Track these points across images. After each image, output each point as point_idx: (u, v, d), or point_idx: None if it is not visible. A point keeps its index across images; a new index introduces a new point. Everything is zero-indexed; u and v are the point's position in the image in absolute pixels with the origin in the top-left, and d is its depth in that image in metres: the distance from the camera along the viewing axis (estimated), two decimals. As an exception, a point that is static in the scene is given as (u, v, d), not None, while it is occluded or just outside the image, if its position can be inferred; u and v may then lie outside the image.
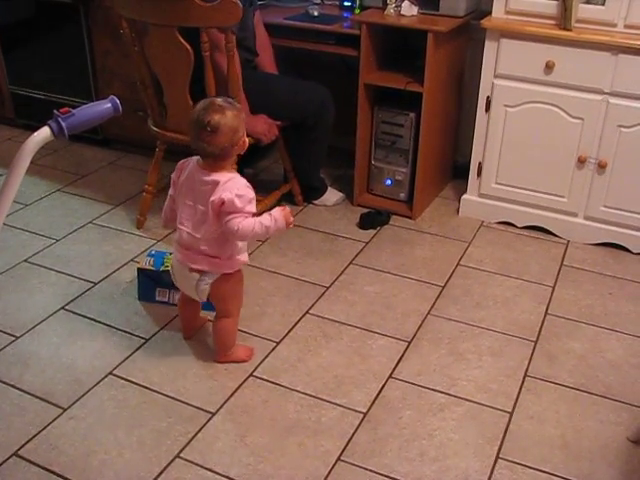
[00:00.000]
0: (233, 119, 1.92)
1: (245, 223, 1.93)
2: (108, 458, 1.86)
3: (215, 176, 1.96)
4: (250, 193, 1.96)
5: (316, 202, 3.20)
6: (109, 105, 1.54)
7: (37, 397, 2.06)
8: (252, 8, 2.79)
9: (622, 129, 2.67)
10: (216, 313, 2.19)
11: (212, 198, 1.93)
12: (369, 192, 3.23)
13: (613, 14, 2.57)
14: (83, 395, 2.07)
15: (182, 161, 2.08)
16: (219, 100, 1.97)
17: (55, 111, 1.45)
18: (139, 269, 2.47)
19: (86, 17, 3.40)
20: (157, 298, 2.47)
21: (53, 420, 1.97)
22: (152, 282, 2.45)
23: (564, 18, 2.60)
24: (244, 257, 2.10)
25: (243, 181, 1.98)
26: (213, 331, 2.20)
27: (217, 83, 2.56)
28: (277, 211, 1.99)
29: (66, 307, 2.46)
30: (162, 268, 2.41)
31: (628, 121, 2.65)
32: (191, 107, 2.59)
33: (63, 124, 1.45)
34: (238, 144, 1.96)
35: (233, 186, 1.94)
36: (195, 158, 2.03)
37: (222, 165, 1.98)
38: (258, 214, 1.99)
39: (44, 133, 1.45)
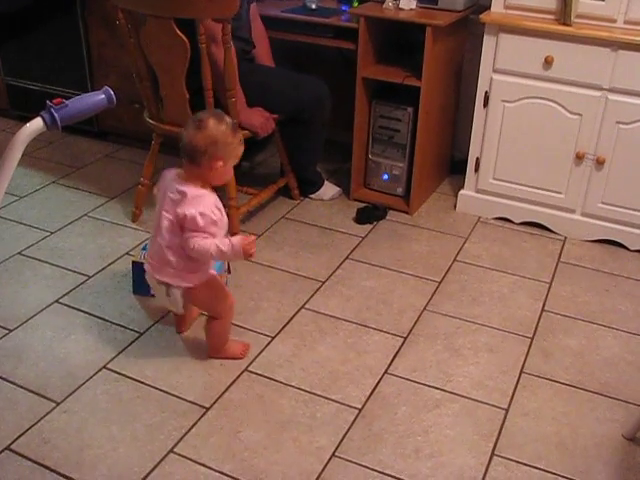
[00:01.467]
0: (221, 134, 1.91)
1: (202, 243, 1.91)
2: (101, 452, 1.85)
3: (186, 187, 1.93)
4: (216, 215, 1.92)
5: (313, 196, 3.18)
6: (103, 96, 1.52)
7: (30, 391, 2.04)
8: (247, -1, 2.78)
9: (620, 125, 2.66)
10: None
11: (178, 210, 1.92)
12: (366, 187, 3.21)
13: (613, 10, 2.55)
14: (77, 389, 2.05)
15: (167, 170, 2.07)
16: (228, 117, 1.96)
17: (48, 102, 1.43)
18: (134, 262, 2.46)
19: (82, 8, 3.38)
20: (152, 292, 2.45)
21: (46, 414, 1.96)
22: (147, 276, 2.44)
23: (564, 13, 2.59)
24: (210, 271, 2.07)
25: (212, 200, 1.94)
26: (205, 330, 2.19)
27: (213, 76, 2.54)
28: (238, 239, 1.93)
29: (60, 300, 2.44)
30: (157, 262, 2.40)
31: (627, 117, 2.64)
32: (187, 100, 2.58)
33: (56, 115, 1.43)
34: (211, 159, 1.91)
35: (199, 203, 1.91)
36: (177, 170, 2.01)
37: (195, 175, 1.94)
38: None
39: (37, 124, 1.43)
